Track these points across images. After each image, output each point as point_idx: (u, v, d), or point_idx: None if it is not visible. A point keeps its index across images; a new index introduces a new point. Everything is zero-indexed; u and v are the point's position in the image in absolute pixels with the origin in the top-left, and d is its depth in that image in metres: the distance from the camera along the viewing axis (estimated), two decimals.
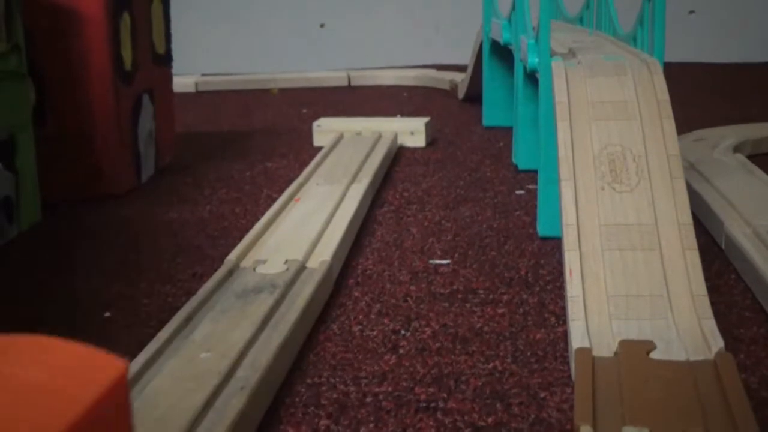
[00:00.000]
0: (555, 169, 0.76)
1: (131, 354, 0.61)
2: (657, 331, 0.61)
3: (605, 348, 0.59)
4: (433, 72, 2.09)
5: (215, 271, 0.75)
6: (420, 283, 0.78)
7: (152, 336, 0.62)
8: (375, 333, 0.68)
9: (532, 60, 0.92)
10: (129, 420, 0.27)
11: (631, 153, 0.75)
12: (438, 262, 0.83)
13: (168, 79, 1.29)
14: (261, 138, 1.47)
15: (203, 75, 2.15)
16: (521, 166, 1.17)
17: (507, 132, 1.36)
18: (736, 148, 1.18)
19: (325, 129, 1.36)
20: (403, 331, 0.68)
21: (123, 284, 0.80)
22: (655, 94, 0.80)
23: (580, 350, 0.58)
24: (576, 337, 0.60)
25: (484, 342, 0.65)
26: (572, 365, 0.59)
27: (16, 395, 0.25)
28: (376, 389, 0.59)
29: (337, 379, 0.60)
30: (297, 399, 0.58)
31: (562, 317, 0.70)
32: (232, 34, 2.41)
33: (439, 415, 0.55)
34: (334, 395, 0.58)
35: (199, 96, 2.01)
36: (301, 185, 1.02)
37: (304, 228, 0.85)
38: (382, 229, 0.94)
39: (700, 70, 2.22)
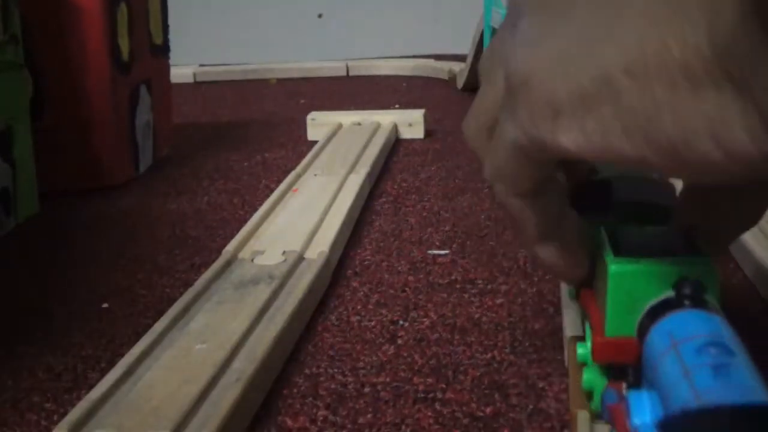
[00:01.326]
0: None
1: (129, 344, 0.61)
2: None
3: None
4: (431, 62, 2.09)
5: (213, 262, 0.75)
6: (418, 273, 0.77)
7: (150, 327, 0.62)
8: (373, 323, 0.67)
9: None
10: None
11: None
12: (436, 252, 0.83)
13: (166, 69, 1.29)
14: (259, 128, 1.47)
15: (201, 65, 2.15)
16: None
17: None
18: None
19: (319, 123, 1.34)
20: (401, 322, 0.68)
21: (121, 275, 0.80)
22: None
23: (574, 338, 0.57)
24: (569, 324, 0.59)
25: (483, 332, 0.65)
26: (566, 353, 0.58)
27: None
28: (375, 380, 0.59)
29: (335, 370, 0.60)
30: (295, 390, 0.58)
31: (560, 307, 0.69)
32: (230, 24, 2.40)
33: (437, 405, 0.55)
34: (332, 386, 0.58)
35: (197, 86, 2.01)
36: (299, 176, 1.02)
37: (302, 219, 0.85)
38: (381, 219, 0.94)
39: None
